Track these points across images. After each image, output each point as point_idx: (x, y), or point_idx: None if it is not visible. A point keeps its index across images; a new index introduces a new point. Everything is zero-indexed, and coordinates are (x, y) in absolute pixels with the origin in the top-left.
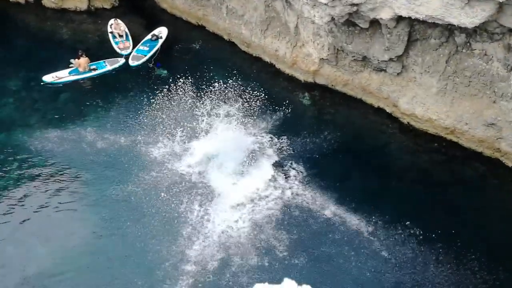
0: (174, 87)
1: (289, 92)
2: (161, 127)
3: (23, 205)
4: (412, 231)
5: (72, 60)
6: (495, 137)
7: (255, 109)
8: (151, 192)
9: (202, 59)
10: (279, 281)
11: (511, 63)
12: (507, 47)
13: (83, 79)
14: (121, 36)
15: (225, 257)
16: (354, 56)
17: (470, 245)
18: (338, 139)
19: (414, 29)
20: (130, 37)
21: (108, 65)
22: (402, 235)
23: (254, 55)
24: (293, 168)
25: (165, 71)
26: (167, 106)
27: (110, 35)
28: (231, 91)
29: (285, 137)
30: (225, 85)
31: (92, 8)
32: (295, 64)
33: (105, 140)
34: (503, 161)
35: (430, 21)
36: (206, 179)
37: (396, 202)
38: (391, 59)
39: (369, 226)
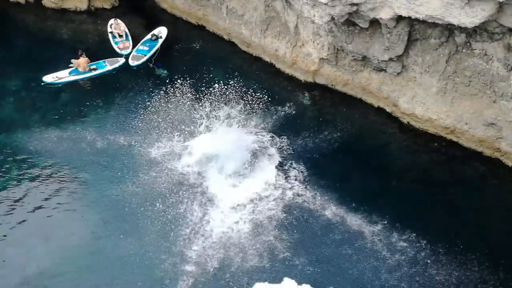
0: (174, 87)
1: (289, 92)
2: (161, 127)
3: (23, 205)
4: (412, 231)
5: (72, 60)
6: (495, 137)
7: (255, 109)
8: (151, 192)
9: (202, 59)
10: (279, 281)
11: (511, 63)
12: (507, 47)
13: (83, 79)
14: (121, 36)
15: (225, 257)
16: (354, 56)
17: (470, 245)
18: (338, 139)
19: (414, 29)
20: (130, 37)
21: (108, 65)
22: (402, 235)
23: (254, 55)
24: (294, 168)
25: (165, 71)
26: (167, 106)
27: (110, 35)
28: (231, 91)
29: (285, 136)
30: (225, 85)
31: (92, 8)
32: (295, 64)
33: (105, 140)
34: (503, 161)
35: (430, 21)
36: (206, 179)
37: (396, 202)
38: (391, 59)
39: (369, 226)
